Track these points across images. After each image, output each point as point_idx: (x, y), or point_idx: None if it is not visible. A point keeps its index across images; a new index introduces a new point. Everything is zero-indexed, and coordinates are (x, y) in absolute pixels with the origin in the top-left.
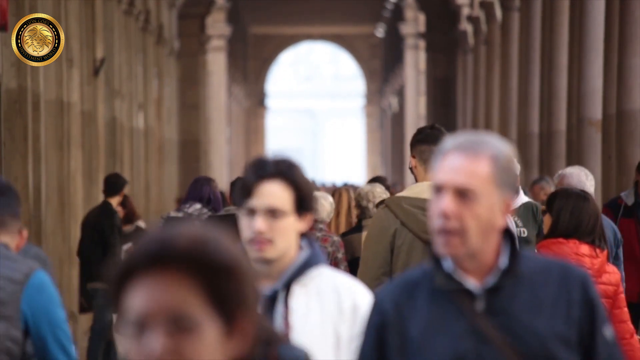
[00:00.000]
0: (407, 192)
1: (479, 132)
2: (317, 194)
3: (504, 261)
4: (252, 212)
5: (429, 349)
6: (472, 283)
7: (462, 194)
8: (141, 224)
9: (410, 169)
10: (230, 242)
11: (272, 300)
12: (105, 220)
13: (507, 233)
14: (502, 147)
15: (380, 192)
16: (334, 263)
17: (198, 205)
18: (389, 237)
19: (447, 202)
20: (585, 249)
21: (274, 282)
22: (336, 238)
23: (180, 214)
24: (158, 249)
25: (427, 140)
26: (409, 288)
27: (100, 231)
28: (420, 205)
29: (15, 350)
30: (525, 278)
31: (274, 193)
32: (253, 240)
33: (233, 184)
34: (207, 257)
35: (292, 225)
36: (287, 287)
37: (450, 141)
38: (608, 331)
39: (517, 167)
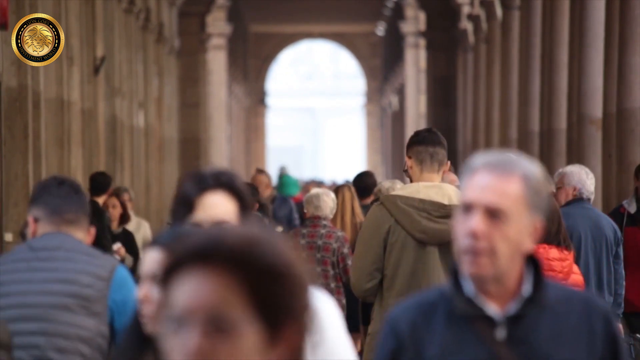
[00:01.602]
0: (402, 192)
1: (508, 151)
2: (319, 190)
3: (527, 288)
4: (196, 227)
5: None
6: (493, 309)
7: (493, 214)
8: (129, 227)
9: (405, 170)
10: (287, 247)
11: None
12: (95, 221)
13: (530, 259)
14: (533, 168)
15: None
16: (341, 258)
17: None
18: (383, 234)
19: (477, 222)
20: (554, 252)
21: None
22: (340, 233)
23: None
24: (205, 244)
25: (424, 141)
26: (426, 310)
27: None
28: (415, 204)
29: (104, 346)
30: (548, 307)
31: (219, 204)
32: None
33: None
34: (255, 258)
35: None
36: None
37: (479, 159)
38: None
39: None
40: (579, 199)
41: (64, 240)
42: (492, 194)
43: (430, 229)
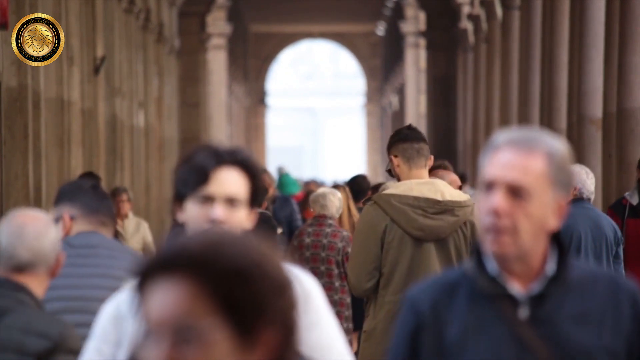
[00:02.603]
0: (395, 190)
1: (532, 127)
2: (326, 189)
3: (551, 267)
4: (208, 200)
5: (467, 354)
6: (516, 288)
7: (515, 192)
8: (128, 227)
9: (388, 170)
10: (256, 246)
11: None
12: None
13: (554, 238)
14: (558, 145)
15: None
16: (346, 258)
17: None
18: (379, 234)
19: (499, 200)
20: None
21: None
22: (345, 233)
23: None
24: (169, 254)
25: (408, 138)
26: (447, 289)
27: None
28: (410, 202)
29: None
30: (572, 287)
31: (233, 181)
32: None
33: None
34: (218, 263)
35: (245, 218)
36: None
37: (502, 136)
38: None
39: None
40: (579, 199)
41: (101, 239)
42: (515, 171)
43: (427, 226)
